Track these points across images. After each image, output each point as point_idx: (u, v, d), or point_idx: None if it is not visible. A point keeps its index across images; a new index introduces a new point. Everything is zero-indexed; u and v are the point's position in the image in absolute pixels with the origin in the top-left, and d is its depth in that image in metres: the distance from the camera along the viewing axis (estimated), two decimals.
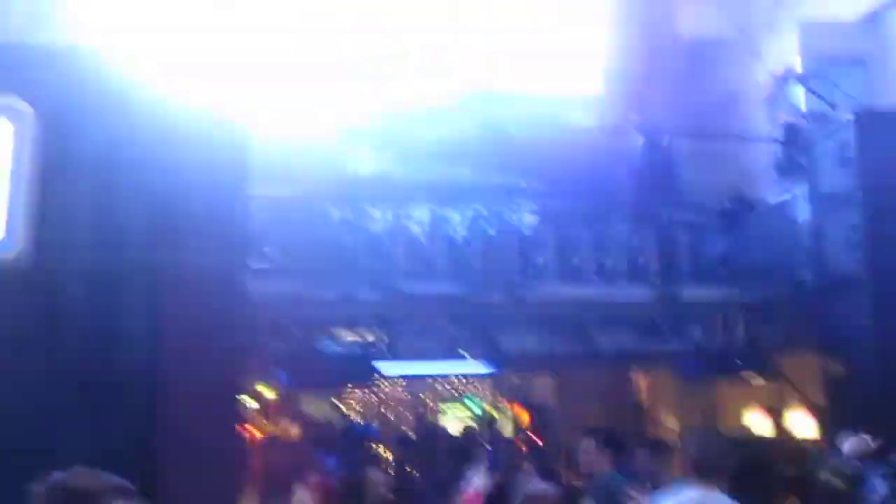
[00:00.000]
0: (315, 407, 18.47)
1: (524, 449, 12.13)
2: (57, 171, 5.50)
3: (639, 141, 10.48)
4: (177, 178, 5.93)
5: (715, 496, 4.01)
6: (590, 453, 6.00)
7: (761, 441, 8.97)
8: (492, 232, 8.58)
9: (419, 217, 8.60)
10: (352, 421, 18.27)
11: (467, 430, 12.77)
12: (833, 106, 9.13)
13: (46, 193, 5.44)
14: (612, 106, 12.16)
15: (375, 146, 9.24)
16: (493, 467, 6.83)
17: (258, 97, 7.33)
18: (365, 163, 8.28)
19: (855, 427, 6.00)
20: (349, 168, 7.74)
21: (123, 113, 5.66)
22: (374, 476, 5.88)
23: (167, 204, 5.93)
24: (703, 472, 4.32)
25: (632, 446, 6.21)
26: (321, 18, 10.28)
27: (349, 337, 8.41)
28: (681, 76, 12.14)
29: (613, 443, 6.50)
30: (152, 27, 8.27)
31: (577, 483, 6.57)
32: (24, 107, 5.43)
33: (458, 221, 8.74)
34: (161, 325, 5.78)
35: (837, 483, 4.58)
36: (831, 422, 8.12)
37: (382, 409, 20.52)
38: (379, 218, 8.58)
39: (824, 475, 4.74)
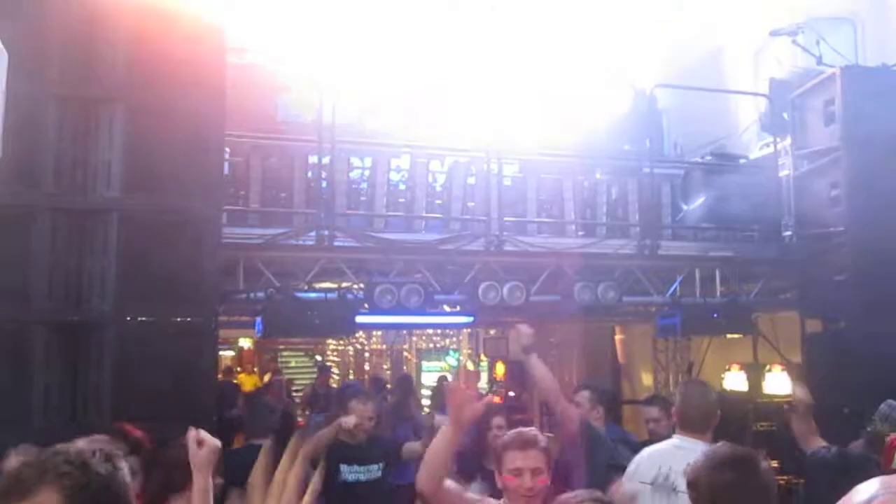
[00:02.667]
0: (293, 358, 18.46)
1: (499, 400, 12.15)
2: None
3: (622, 93, 10.37)
4: (153, 119, 5.81)
5: (696, 444, 4.02)
6: (583, 406, 5.99)
7: (737, 396, 9.02)
8: (472, 181, 8.49)
9: (399, 164, 8.49)
10: (347, 381, 18.37)
11: (441, 381, 12.79)
12: (819, 62, 9.05)
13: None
14: (594, 58, 12.04)
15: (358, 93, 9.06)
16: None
17: (239, 36, 7.14)
18: (345, 109, 8.11)
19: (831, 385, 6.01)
20: (329, 114, 7.57)
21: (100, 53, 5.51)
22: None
23: (144, 148, 5.81)
24: (688, 424, 4.38)
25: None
26: None
27: (327, 284, 8.33)
28: (666, 29, 12.04)
29: (607, 399, 6.51)
30: None
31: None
32: None
33: (438, 170, 8.65)
34: (130, 267, 5.68)
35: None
36: (807, 380, 8.16)
37: (360, 361, 20.59)
38: (358, 165, 8.47)
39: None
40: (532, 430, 3.68)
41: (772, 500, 2.78)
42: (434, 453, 3.58)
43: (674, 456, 4.11)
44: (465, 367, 17.77)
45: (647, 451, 4.51)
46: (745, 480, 2.73)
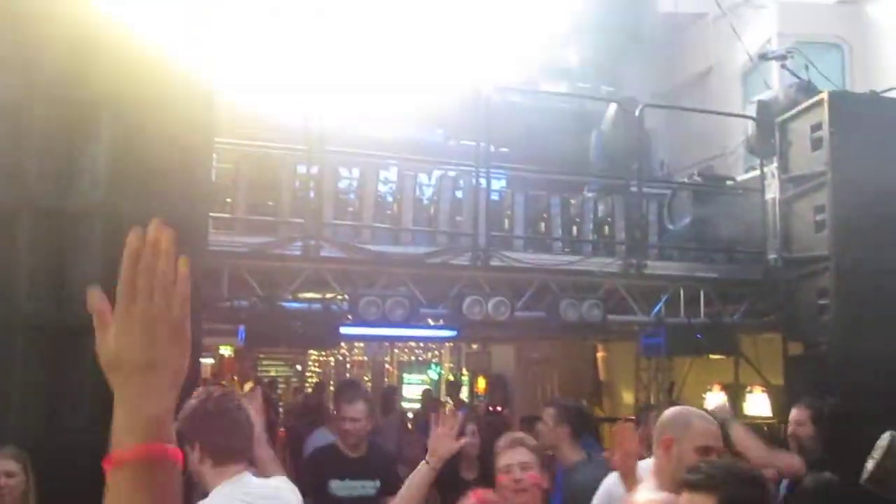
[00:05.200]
0: (274, 367, 18.33)
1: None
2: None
3: (611, 112, 10.41)
4: (140, 123, 5.77)
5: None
6: (548, 424, 5.94)
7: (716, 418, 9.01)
8: (460, 195, 8.49)
9: (387, 176, 8.48)
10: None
11: (425, 395, 12.77)
12: (807, 86, 9.13)
13: None
14: (586, 77, 12.11)
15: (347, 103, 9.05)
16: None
17: (227, 46, 7.12)
18: (335, 119, 8.10)
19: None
20: (318, 123, 7.56)
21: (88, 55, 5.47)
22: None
23: (131, 151, 5.76)
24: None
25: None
26: None
27: (312, 294, 8.30)
28: (657, 50, 12.11)
29: (574, 417, 6.42)
30: None
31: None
32: None
33: (426, 182, 8.64)
34: (113, 272, 5.61)
35: None
36: (787, 402, 8.19)
37: (341, 372, 20.48)
38: (346, 175, 8.46)
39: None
40: (520, 433, 3.98)
41: None
42: (410, 491, 3.74)
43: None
44: (446, 380, 17.71)
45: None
46: None
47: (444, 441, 3.76)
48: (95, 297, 1.25)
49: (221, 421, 3.12)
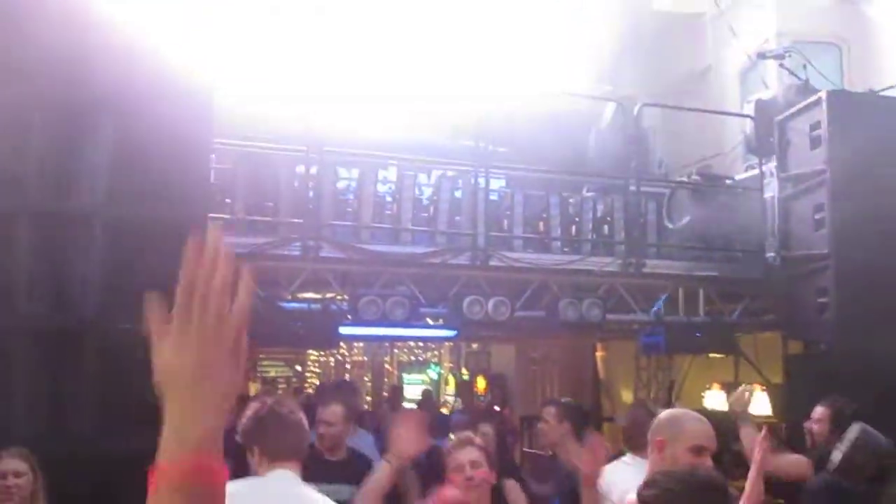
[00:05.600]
0: (273, 367, 18.33)
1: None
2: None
3: (610, 111, 10.42)
4: (140, 125, 5.76)
5: (638, 462, 4.21)
6: (549, 423, 5.98)
7: (717, 416, 9.02)
8: (459, 195, 8.49)
9: (386, 176, 8.48)
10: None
11: (425, 395, 12.78)
12: (806, 85, 9.14)
13: None
14: (584, 76, 12.10)
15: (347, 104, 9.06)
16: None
17: (227, 46, 7.11)
18: (335, 120, 8.11)
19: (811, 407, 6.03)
20: (317, 124, 7.56)
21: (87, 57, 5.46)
22: None
23: (129, 153, 5.75)
24: (632, 442, 4.56)
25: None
26: None
27: (311, 295, 8.31)
28: (655, 49, 12.11)
29: (574, 415, 6.49)
30: None
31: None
32: None
33: (425, 182, 8.65)
34: (116, 275, 5.62)
35: None
36: (787, 401, 8.21)
37: (340, 372, 20.49)
38: (345, 175, 8.46)
39: None
40: (468, 433, 4.19)
41: None
42: (372, 487, 3.93)
43: (624, 472, 4.26)
44: (428, 385, 17.71)
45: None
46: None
47: (404, 441, 3.89)
48: (153, 307, 1.26)
49: (275, 426, 3.42)
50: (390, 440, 3.96)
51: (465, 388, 14.73)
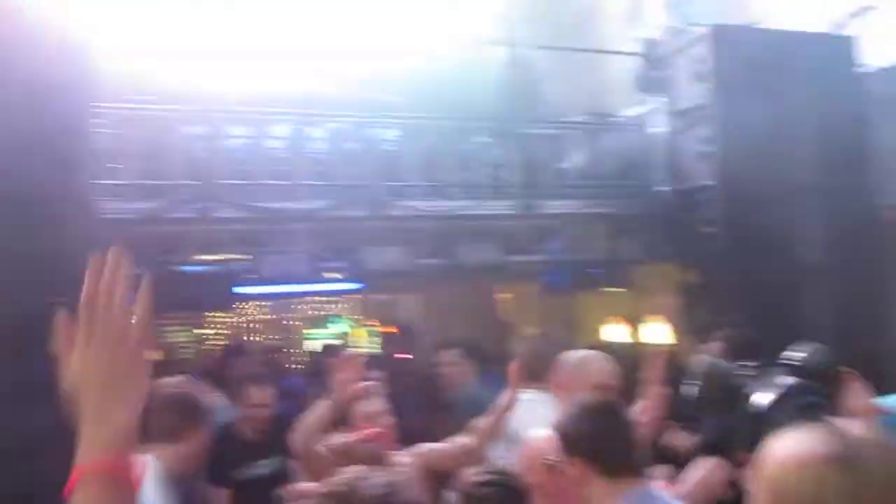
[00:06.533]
0: (172, 333, 17.98)
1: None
2: None
3: (500, 55, 10.42)
4: (11, 93, 5.50)
5: (539, 396, 4.33)
6: (452, 364, 6.05)
7: (620, 349, 9.29)
8: (354, 147, 8.42)
9: (279, 132, 8.33)
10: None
11: (326, 349, 12.64)
12: (690, 21, 9.31)
13: None
14: (473, 22, 12.06)
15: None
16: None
17: (107, 6, 6.84)
18: (223, 77, 7.91)
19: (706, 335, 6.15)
20: (205, 83, 7.37)
21: None
22: None
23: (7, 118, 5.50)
24: (531, 376, 4.63)
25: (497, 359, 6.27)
26: None
27: (209, 257, 8.16)
28: None
29: (475, 353, 6.58)
30: None
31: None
32: None
33: (319, 137, 8.53)
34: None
35: None
36: (685, 330, 8.50)
37: (246, 333, 20.29)
38: (237, 134, 8.28)
39: None
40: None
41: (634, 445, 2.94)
42: (313, 422, 4.00)
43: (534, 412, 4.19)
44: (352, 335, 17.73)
45: None
46: (608, 428, 2.86)
47: (347, 385, 4.02)
48: (62, 322, 1.40)
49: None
50: (334, 385, 4.04)
51: (391, 339, 14.63)
